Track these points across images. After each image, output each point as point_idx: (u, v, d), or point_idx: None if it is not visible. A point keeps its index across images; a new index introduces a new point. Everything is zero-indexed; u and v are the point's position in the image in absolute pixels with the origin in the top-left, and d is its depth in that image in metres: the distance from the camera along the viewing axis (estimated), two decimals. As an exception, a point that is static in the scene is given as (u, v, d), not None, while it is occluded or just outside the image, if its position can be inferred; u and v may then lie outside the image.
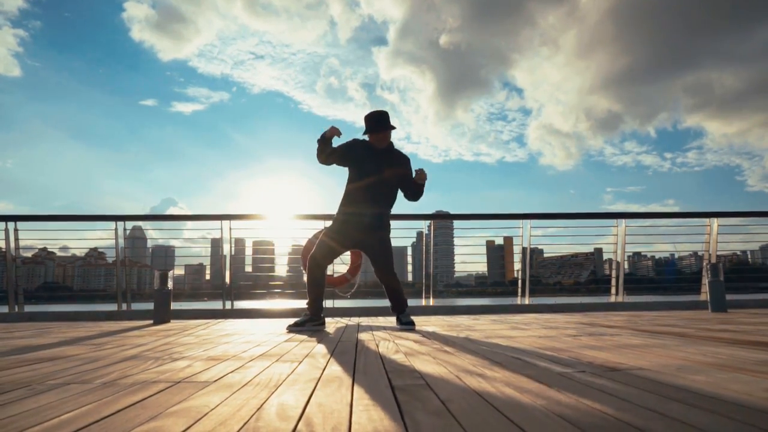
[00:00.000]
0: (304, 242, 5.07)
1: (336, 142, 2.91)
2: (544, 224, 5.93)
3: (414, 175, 2.94)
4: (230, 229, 5.15)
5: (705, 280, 4.89)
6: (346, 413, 0.86)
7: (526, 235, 5.38)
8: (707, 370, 1.25)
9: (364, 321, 3.59)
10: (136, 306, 5.04)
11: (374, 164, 2.87)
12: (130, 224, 5.47)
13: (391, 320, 3.62)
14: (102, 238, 5.72)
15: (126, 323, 3.85)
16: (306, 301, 2.92)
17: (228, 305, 5.01)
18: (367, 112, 2.91)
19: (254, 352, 1.81)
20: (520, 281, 5.36)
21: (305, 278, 2.96)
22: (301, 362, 1.53)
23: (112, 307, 4.95)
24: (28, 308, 4.98)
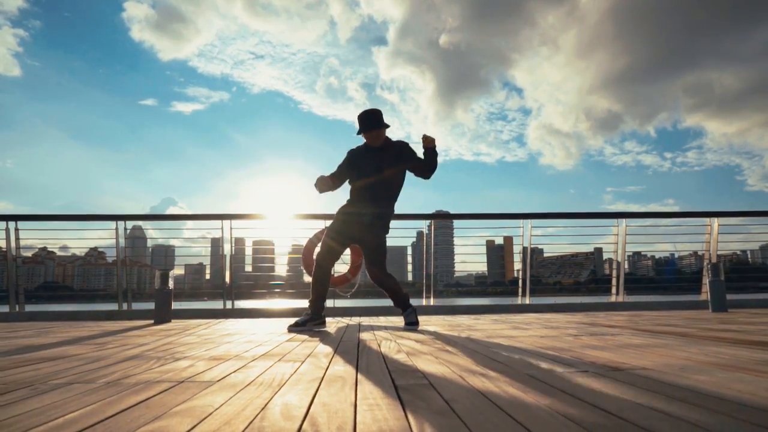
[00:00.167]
0: (304, 242, 5.08)
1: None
2: (544, 224, 5.93)
3: (415, 157, 2.91)
4: (231, 228, 5.15)
5: (706, 280, 4.89)
6: (350, 413, 0.86)
7: (526, 235, 5.38)
8: (710, 369, 1.25)
9: (365, 321, 3.59)
10: (137, 306, 5.04)
11: (371, 164, 2.88)
12: (130, 224, 5.46)
13: (392, 320, 3.62)
14: (102, 237, 5.72)
15: (127, 323, 3.85)
16: (308, 300, 2.93)
17: (228, 305, 5.01)
18: (358, 109, 2.92)
19: (256, 352, 1.81)
20: (520, 281, 5.36)
21: (306, 278, 2.97)
22: (303, 362, 1.53)
23: (112, 306, 4.95)
24: (29, 308, 4.98)
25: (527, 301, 5.21)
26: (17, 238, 4.97)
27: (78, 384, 1.19)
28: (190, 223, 5.74)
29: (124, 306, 4.92)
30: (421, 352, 1.72)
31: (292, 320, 3.08)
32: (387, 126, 2.90)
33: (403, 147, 2.95)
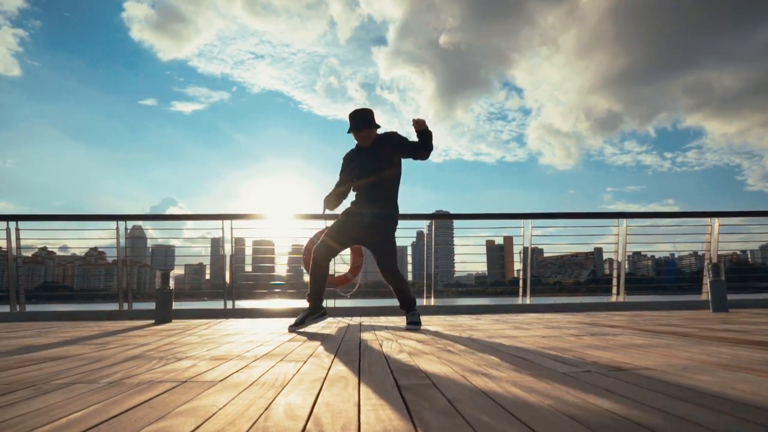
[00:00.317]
0: (304, 242, 5.08)
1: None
2: (544, 224, 5.94)
3: (407, 142, 2.89)
4: (231, 228, 5.15)
5: (706, 280, 4.90)
6: (354, 413, 0.86)
7: (527, 235, 5.38)
8: (712, 369, 1.25)
9: (366, 321, 3.59)
10: (137, 306, 5.04)
11: (368, 164, 2.88)
12: (130, 224, 5.46)
13: (393, 320, 3.62)
14: (102, 237, 5.73)
15: (127, 323, 3.85)
16: (306, 296, 2.93)
17: (229, 305, 5.01)
18: (372, 110, 2.93)
19: (258, 352, 1.81)
20: (521, 281, 5.37)
21: (306, 278, 2.97)
22: (305, 362, 1.53)
23: (112, 306, 4.95)
24: (29, 308, 4.98)
25: (528, 301, 5.21)
26: (18, 238, 4.98)
27: (81, 384, 1.20)
28: (190, 223, 5.75)
29: (125, 306, 4.92)
30: (423, 352, 1.72)
31: (293, 320, 3.08)
32: (378, 126, 2.89)
33: (393, 138, 2.93)
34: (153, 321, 3.88)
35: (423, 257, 5.53)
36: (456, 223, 6.20)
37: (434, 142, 2.91)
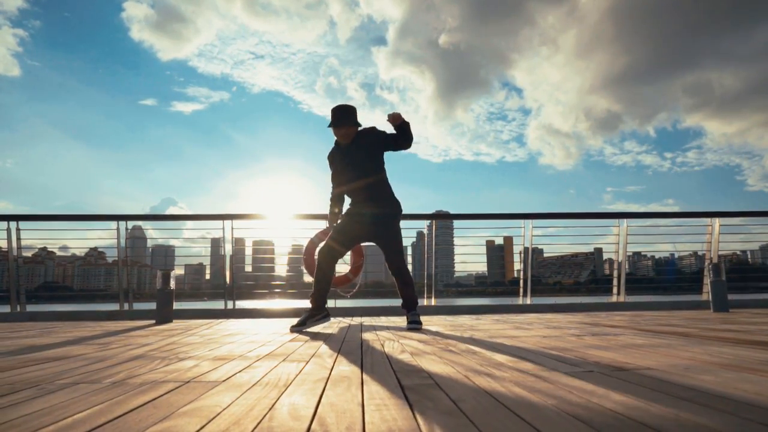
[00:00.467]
0: (304, 242, 5.08)
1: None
2: (544, 224, 5.94)
3: (387, 135, 2.87)
4: (232, 228, 5.15)
5: (707, 280, 4.90)
6: (358, 413, 0.86)
7: (527, 235, 5.39)
8: (715, 369, 1.25)
9: (367, 321, 3.59)
10: (138, 306, 5.04)
11: (347, 168, 2.88)
12: (131, 224, 5.46)
13: (394, 320, 3.62)
14: (102, 237, 5.73)
15: (128, 323, 3.86)
16: (309, 297, 2.93)
17: (230, 305, 5.01)
18: (359, 109, 2.92)
19: (260, 352, 1.81)
20: (521, 281, 5.37)
21: (307, 278, 2.97)
22: (307, 362, 1.53)
23: (113, 306, 4.95)
24: (30, 308, 4.99)
25: (528, 301, 5.22)
26: (18, 238, 4.98)
27: (84, 384, 1.20)
28: (189, 223, 5.75)
29: (126, 306, 4.92)
30: (425, 352, 1.72)
31: (294, 320, 3.08)
32: (358, 125, 2.86)
33: (371, 133, 2.89)
34: (154, 321, 3.88)
35: (423, 257, 5.53)
36: (456, 223, 6.20)
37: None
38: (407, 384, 1.13)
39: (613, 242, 5.52)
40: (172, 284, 3.96)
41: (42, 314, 4.67)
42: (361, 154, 2.86)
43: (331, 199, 3.09)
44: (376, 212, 2.89)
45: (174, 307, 3.98)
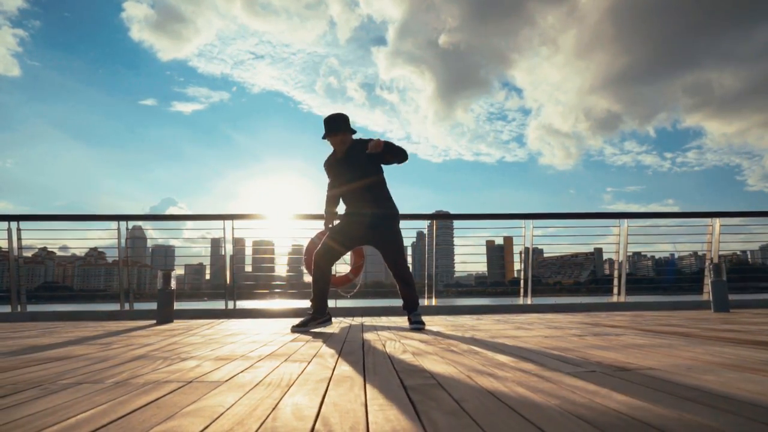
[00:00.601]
0: (304, 242, 5.08)
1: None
2: (545, 224, 5.94)
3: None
4: (233, 229, 5.15)
5: (707, 280, 4.90)
6: (361, 413, 0.86)
7: (528, 235, 5.39)
8: (717, 370, 1.25)
9: (367, 321, 3.59)
10: (138, 306, 5.04)
11: (344, 175, 2.89)
12: (131, 224, 5.46)
13: (394, 320, 3.62)
14: (103, 238, 5.73)
15: (129, 323, 3.86)
16: (310, 300, 2.93)
17: (230, 305, 5.01)
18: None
19: (262, 352, 1.81)
20: (522, 281, 5.37)
21: (307, 278, 2.97)
22: (309, 362, 1.53)
23: (113, 306, 4.95)
24: (30, 308, 4.98)
25: (529, 301, 5.22)
26: (19, 238, 4.98)
27: (87, 384, 1.20)
28: (189, 223, 5.74)
29: (126, 306, 4.92)
30: (427, 353, 1.72)
31: (295, 320, 3.08)
32: (353, 132, 2.87)
33: (365, 145, 2.85)
34: (155, 321, 3.88)
35: (423, 257, 5.54)
36: (456, 223, 6.20)
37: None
38: (410, 384, 1.13)
39: (614, 242, 5.52)
40: (173, 284, 3.96)
41: (43, 314, 4.67)
42: (359, 157, 2.86)
43: (327, 199, 3.10)
44: (376, 213, 2.89)
45: (174, 308, 3.98)
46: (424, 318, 3.83)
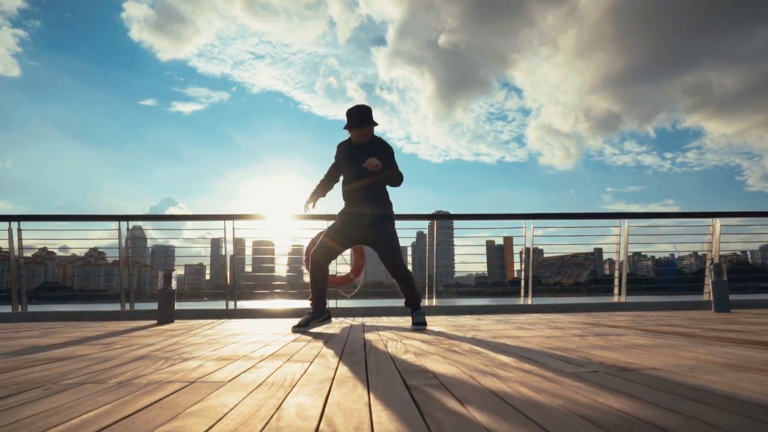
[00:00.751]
0: (304, 242, 5.08)
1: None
2: (545, 224, 5.94)
3: (391, 163, 2.84)
4: (233, 229, 5.15)
5: (708, 280, 4.90)
6: (365, 413, 0.86)
7: (528, 235, 5.39)
8: (719, 370, 1.25)
9: (368, 321, 3.59)
10: (139, 306, 5.04)
11: (357, 165, 2.86)
12: (131, 224, 5.46)
13: (395, 320, 3.62)
14: (103, 238, 5.73)
15: (130, 323, 3.86)
16: (309, 299, 2.93)
17: (231, 305, 5.01)
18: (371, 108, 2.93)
19: (264, 352, 1.81)
20: (522, 281, 5.37)
21: (307, 278, 2.96)
22: (312, 362, 1.53)
23: (114, 306, 4.95)
24: (31, 308, 4.98)
25: (529, 301, 5.22)
26: (20, 239, 4.98)
27: (90, 384, 1.20)
28: (189, 224, 5.73)
29: (127, 306, 4.92)
30: (429, 353, 1.72)
31: (295, 320, 3.08)
32: (376, 124, 2.88)
33: (384, 150, 2.87)
34: (155, 321, 3.88)
35: (424, 258, 5.53)
36: (456, 223, 6.19)
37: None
38: (413, 384, 1.13)
39: (614, 242, 5.52)
40: (174, 284, 3.96)
41: (43, 314, 4.66)
42: (369, 156, 2.84)
43: (321, 182, 3.10)
44: (375, 212, 2.89)
45: (175, 308, 3.98)
46: (426, 318, 3.83)
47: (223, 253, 5.25)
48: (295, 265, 7.90)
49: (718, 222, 5.41)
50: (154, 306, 3.98)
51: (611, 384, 1.08)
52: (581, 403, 0.89)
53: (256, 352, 1.84)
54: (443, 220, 5.97)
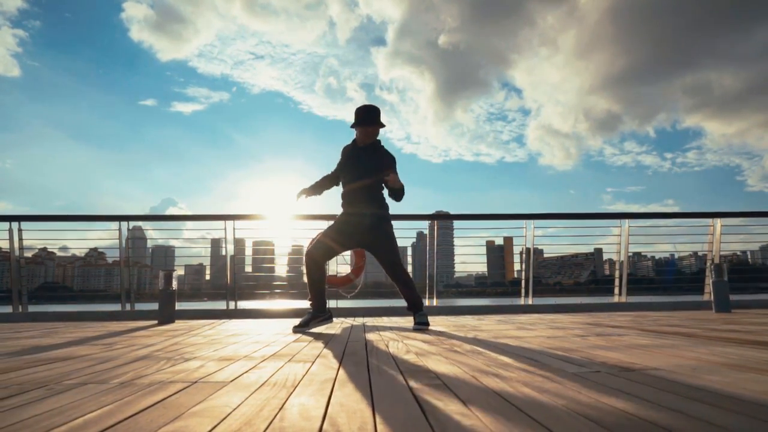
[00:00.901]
0: (304, 242, 5.09)
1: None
2: (545, 224, 5.94)
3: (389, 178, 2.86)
4: (234, 229, 5.16)
5: (709, 281, 4.90)
6: (368, 413, 0.86)
7: (529, 236, 5.39)
8: (721, 370, 1.25)
9: (369, 321, 3.59)
10: (139, 306, 5.05)
11: (366, 164, 2.88)
12: (132, 224, 5.47)
13: (396, 320, 3.62)
14: (103, 238, 5.73)
15: (131, 323, 3.86)
16: (308, 299, 2.92)
17: (231, 305, 5.01)
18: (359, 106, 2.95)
19: (265, 353, 1.81)
20: (523, 281, 5.37)
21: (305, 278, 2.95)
22: (313, 362, 1.54)
23: (114, 307, 4.95)
24: (31, 308, 4.98)
25: (530, 301, 5.22)
26: (20, 239, 4.98)
27: (92, 384, 1.20)
28: (189, 224, 5.73)
29: (127, 306, 4.92)
30: (430, 353, 1.72)
31: (296, 321, 3.08)
32: (383, 125, 2.90)
33: (389, 159, 2.89)
34: (156, 321, 3.88)
35: (425, 258, 5.53)
36: (456, 223, 6.19)
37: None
38: (415, 385, 1.13)
39: (614, 242, 5.52)
40: (175, 284, 3.96)
41: (44, 314, 4.67)
42: (375, 158, 2.89)
43: (323, 179, 3.09)
44: (376, 213, 2.90)
45: (175, 308, 3.98)
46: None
47: (224, 253, 5.25)
48: (296, 265, 7.90)
49: (718, 222, 5.41)
50: (154, 306, 3.98)
51: (614, 384, 1.08)
52: (584, 403, 0.90)
53: (257, 352, 1.84)
54: (443, 220, 5.97)
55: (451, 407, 0.89)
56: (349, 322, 3.54)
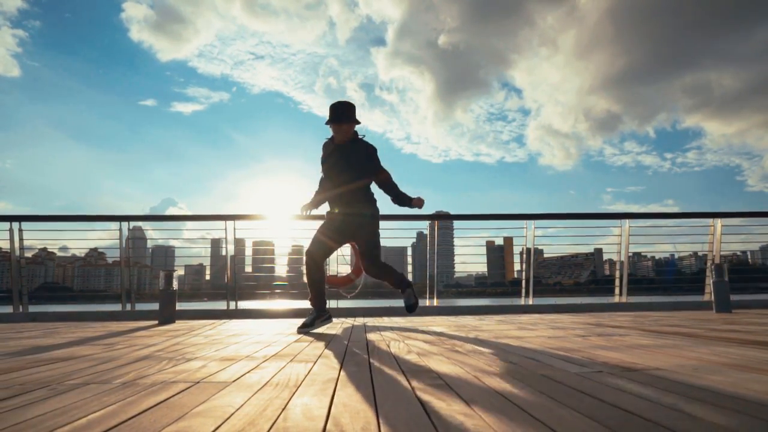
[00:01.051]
0: (304, 242, 5.07)
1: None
2: (546, 224, 5.95)
3: (378, 166, 2.89)
4: (234, 229, 5.15)
5: (709, 281, 4.90)
6: (372, 413, 0.86)
7: (529, 236, 5.39)
8: (723, 370, 1.26)
9: (369, 321, 3.59)
10: (139, 306, 5.04)
11: (338, 169, 2.85)
12: (132, 224, 5.47)
13: (397, 320, 3.62)
14: (103, 238, 5.73)
15: (131, 323, 3.86)
16: (309, 299, 2.92)
17: (232, 305, 5.01)
18: (358, 109, 2.92)
19: (267, 353, 1.81)
20: (523, 281, 5.37)
21: (305, 278, 2.94)
22: (315, 362, 1.54)
23: (115, 307, 4.95)
24: (32, 308, 4.98)
25: (530, 301, 5.22)
26: (21, 239, 4.98)
27: (94, 384, 1.20)
28: (189, 224, 5.73)
29: (128, 306, 4.92)
30: (432, 353, 1.72)
31: (297, 320, 3.08)
32: (357, 122, 2.86)
33: (369, 150, 2.87)
34: (157, 321, 3.88)
35: (425, 258, 5.53)
36: (456, 223, 6.19)
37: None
38: (417, 385, 1.13)
39: (614, 243, 5.52)
40: (175, 285, 3.96)
41: (44, 315, 4.67)
42: (352, 157, 2.85)
43: (317, 194, 3.10)
44: (363, 212, 2.89)
45: (176, 308, 3.98)
46: (426, 318, 3.83)
47: (224, 253, 5.25)
48: (296, 265, 7.90)
49: (718, 222, 5.41)
50: (154, 306, 3.98)
51: (616, 384, 1.08)
52: (586, 403, 0.90)
53: (259, 352, 1.84)
54: (443, 220, 5.97)
55: (454, 407, 0.89)
56: (349, 322, 3.54)
